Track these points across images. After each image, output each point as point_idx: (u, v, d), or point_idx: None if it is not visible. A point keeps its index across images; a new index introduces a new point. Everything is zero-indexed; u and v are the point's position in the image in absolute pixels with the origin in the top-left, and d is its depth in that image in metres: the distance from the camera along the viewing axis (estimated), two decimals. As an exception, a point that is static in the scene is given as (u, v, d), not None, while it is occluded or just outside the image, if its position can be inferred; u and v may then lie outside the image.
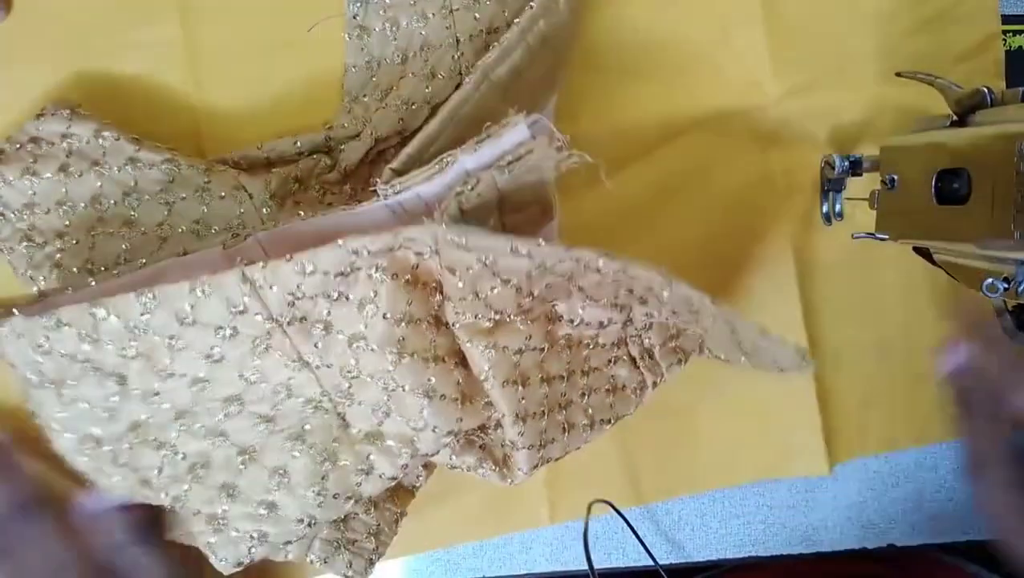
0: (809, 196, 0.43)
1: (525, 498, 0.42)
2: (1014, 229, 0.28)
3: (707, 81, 0.42)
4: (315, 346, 0.32)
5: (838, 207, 0.41)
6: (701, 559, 0.45)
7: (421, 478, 0.37)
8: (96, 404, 0.32)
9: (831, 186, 0.41)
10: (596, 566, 0.43)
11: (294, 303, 0.31)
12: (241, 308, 0.31)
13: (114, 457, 0.32)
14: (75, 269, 0.35)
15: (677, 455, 0.43)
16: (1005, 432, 0.36)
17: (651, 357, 0.37)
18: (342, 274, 0.31)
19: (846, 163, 0.39)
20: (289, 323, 0.31)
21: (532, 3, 0.34)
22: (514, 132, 0.31)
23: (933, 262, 0.36)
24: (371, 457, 0.33)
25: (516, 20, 0.34)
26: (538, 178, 0.32)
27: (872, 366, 0.44)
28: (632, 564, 0.44)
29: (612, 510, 0.42)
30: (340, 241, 0.30)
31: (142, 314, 0.30)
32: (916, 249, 0.37)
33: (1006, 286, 0.30)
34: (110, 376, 0.31)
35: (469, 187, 0.31)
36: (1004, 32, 0.44)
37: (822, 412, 0.44)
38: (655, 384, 0.37)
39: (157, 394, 0.32)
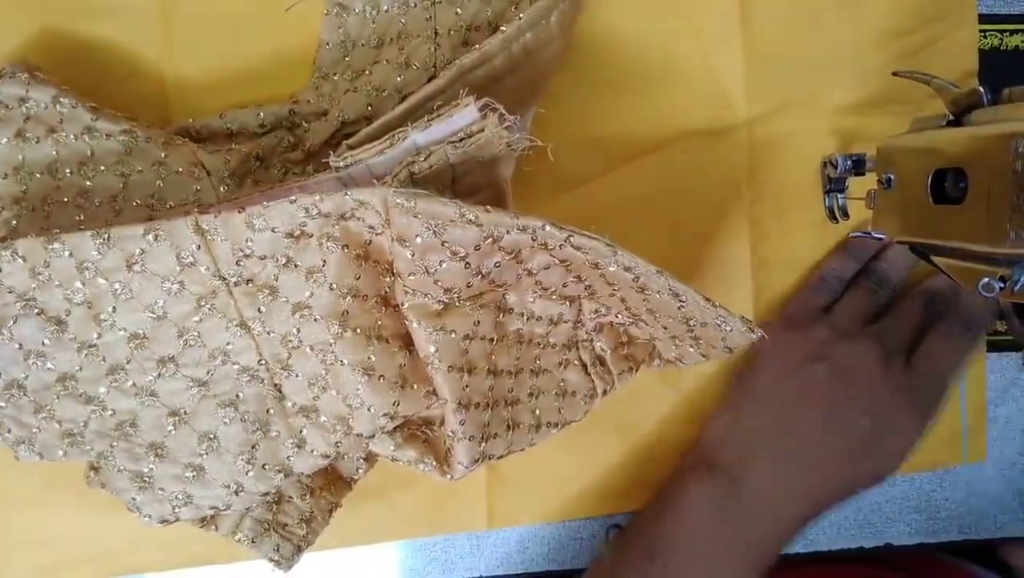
0: (773, 223, 0.43)
1: (464, 501, 0.42)
2: (1010, 229, 0.28)
3: (680, 98, 0.42)
4: (259, 311, 0.32)
5: (841, 201, 0.41)
6: (698, 558, 0.45)
7: (361, 470, 0.37)
8: (30, 348, 0.32)
9: (833, 186, 0.41)
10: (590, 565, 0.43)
11: (242, 261, 0.31)
12: (190, 260, 0.31)
13: (36, 408, 0.33)
14: (32, 236, 0.35)
15: (622, 470, 0.43)
16: None
17: (602, 364, 0.37)
18: (292, 236, 0.31)
19: (848, 162, 0.39)
20: (236, 284, 0.32)
21: (520, 15, 0.34)
22: (465, 113, 0.31)
23: (930, 261, 0.36)
24: (304, 431, 0.34)
25: (501, 28, 0.34)
26: (490, 157, 0.33)
27: None
28: (629, 563, 0.44)
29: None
30: (292, 197, 0.30)
31: (95, 252, 0.31)
32: (913, 248, 0.37)
33: (1002, 285, 0.30)
34: (51, 320, 0.32)
35: (422, 158, 0.32)
36: (1002, 32, 0.44)
37: None
38: (605, 392, 0.37)
39: (93, 347, 0.32)
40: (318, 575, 0.42)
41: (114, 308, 0.32)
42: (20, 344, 0.32)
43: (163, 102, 0.39)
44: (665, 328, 0.35)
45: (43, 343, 0.32)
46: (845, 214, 0.41)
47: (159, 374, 0.33)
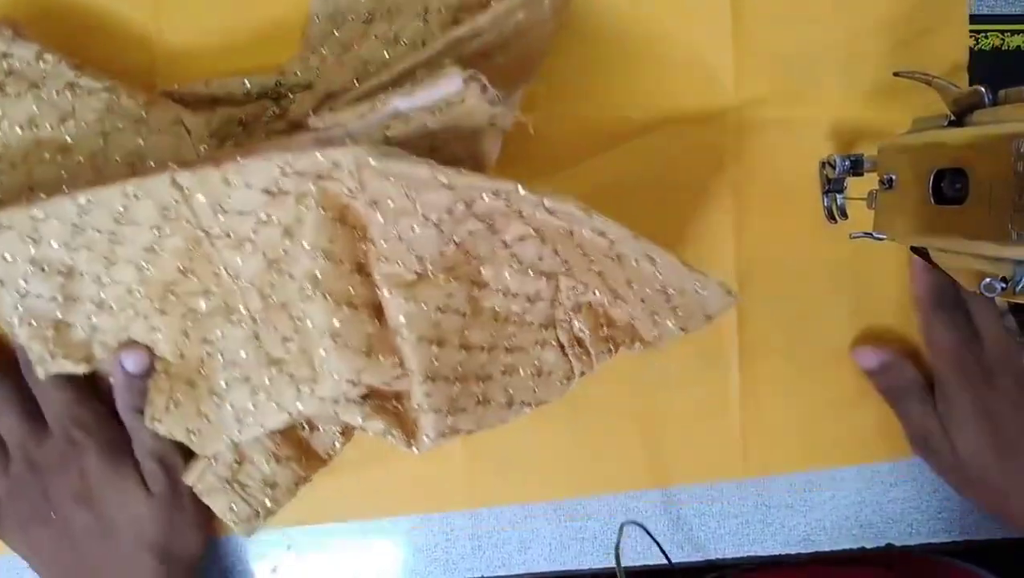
0: (760, 208, 0.43)
1: (445, 479, 0.42)
2: (1011, 229, 0.28)
3: (669, 81, 0.42)
4: (239, 261, 0.33)
5: (840, 201, 0.41)
6: (699, 558, 0.45)
7: (337, 444, 0.37)
8: (49, 296, 0.34)
9: (832, 186, 0.41)
10: (593, 566, 0.43)
11: (220, 215, 0.32)
12: (172, 214, 0.32)
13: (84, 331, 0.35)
14: (15, 206, 0.36)
15: (600, 453, 0.43)
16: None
17: (580, 345, 0.37)
18: (269, 193, 0.32)
19: (847, 163, 0.39)
20: (217, 236, 0.32)
21: None
22: (448, 81, 0.31)
23: (931, 261, 0.36)
24: (273, 384, 0.34)
25: (493, 3, 0.34)
26: (471, 129, 0.33)
27: (806, 383, 0.44)
28: (631, 563, 0.44)
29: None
30: (268, 154, 0.31)
31: (79, 215, 0.32)
32: (914, 248, 0.37)
33: (1004, 286, 0.30)
34: (57, 273, 0.33)
35: (400, 122, 0.32)
36: (1003, 32, 0.44)
37: (743, 421, 0.43)
38: (583, 373, 0.37)
39: (105, 277, 0.34)
40: (319, 574, 0.42)
41: (112, 251, 0.33)
42: (42, 295, 0.33)
43: (150, 71, 0.38)
44: (643, 301, 0.35)
45: (60, 288, 0.33)
46: (844, 214, 0.41)
47: (163, 300, 0.35)
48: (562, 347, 0.37)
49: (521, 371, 0.36)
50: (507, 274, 0.35)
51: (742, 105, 0.42)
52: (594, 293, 0.36)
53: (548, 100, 0.40)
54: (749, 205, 0.43)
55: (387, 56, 0.37)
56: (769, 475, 0.45)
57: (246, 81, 0.37)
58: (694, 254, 0.42)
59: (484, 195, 0.30)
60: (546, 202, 0.30)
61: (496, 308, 0.35)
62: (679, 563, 0.44)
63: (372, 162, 0.29)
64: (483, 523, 0.43)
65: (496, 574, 0.43)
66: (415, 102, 0.32)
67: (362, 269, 0.33)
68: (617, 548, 0.40)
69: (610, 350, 0.37)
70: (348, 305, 0.32)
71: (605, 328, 0.37)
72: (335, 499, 0.41)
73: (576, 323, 0.37)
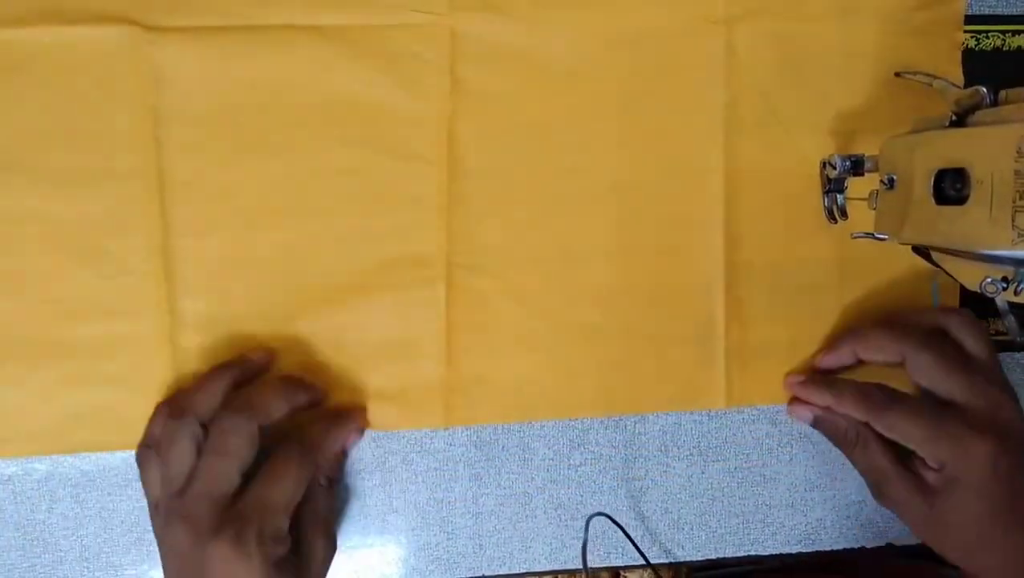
0: (750, 132, 0.43)
1: (422, 396, 0.42)
2: (1012, 229, 0.28)
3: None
4: None
5: (841, 201, 0.41)
6: (700, 558, 0.45)
7: None
8: None
9: (832, 186, 0.41)
10: (594, 566, 0.43)
11: None
12: None
13: None
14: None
15: (584, 374, 0.43)
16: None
17: None
18: None
19: (847, 163, 0.39)
20: None
21: None
22: None
23: (932, 262, 0.36)
24: None
25: None
26: None
27: (787, 318, 0.44)
28: (631, 563, 0.44)
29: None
30: None
31: None
32: (915, 249, 0.37)
33: (1004, 286, 0.30)
34: None
35: None
36: (1004, 33, 0.44)
37: (726, 353, 0.44)
38: None
39: None
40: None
41: None
42: None
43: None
44: None
45: None
46: (844, 214, 0.42)
47: None
48: None
49: None
50: None
51: (731, 18, 0.42)
52: None
53: (532, 3, 0.41)
54: (739, 121, 0.43)
55: None
56: (750, 405, 0.45)
57: None
58: (680, 169, 0.43)
59: None
60: None
61: None
62: (681, 562, 0.44)
63: None
64: (484, 522, 0.43)
65: (497, 573, 0.44)
66: None
67: None
68: (584, 546, 0.41)
69: None
70: None
71: None
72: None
73: None
